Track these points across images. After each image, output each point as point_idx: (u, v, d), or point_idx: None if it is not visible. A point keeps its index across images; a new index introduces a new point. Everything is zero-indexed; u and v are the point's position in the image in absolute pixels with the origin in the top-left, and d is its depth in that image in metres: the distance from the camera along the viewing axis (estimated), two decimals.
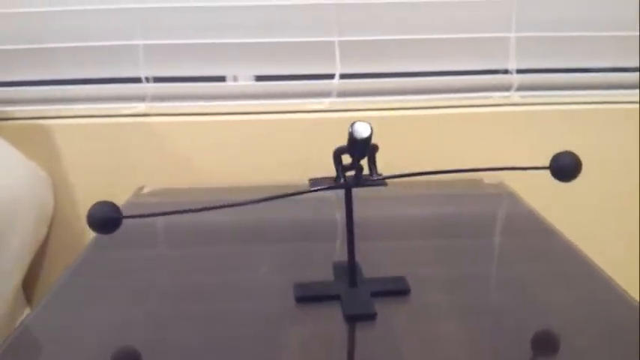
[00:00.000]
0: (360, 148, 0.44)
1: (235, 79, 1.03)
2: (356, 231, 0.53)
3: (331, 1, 0.95)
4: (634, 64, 1.00)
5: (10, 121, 0.97)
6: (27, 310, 0.93)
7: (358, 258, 0.55)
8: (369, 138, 0.43)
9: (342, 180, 0.49)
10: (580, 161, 0.50)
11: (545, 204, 0.76)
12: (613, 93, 1.01)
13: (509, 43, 0.99)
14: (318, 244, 0.68)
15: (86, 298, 0.56)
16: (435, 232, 0.72)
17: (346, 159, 0.49)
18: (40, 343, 0.51)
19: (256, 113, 0.98)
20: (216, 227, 0.73)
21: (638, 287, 0.57)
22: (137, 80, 0.98)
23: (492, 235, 0.72)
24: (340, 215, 0.74)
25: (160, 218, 0.74)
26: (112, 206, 0.47)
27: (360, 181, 0.50)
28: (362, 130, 0.43)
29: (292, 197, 0.49)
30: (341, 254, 0.58)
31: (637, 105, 0.98)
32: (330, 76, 0.99)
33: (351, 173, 0.50)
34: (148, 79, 0.98)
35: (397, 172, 0.51)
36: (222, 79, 1.03)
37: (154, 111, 0.98)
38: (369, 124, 0.43)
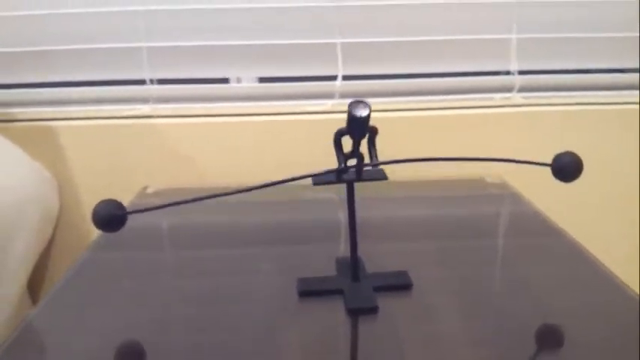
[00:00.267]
0: (360, 127, 0.45)
1: (238, 80, 1.04)
2: (358, 230, 0.53)
3: (334, 3, 0.96)
4: (634, 65, 1.00)
5: (15, 123, 0.97)
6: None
7: (360, 256, 0.55)
8: (368, 117, 0.44)
9: (342, 165, 0.49)
10: (581, 162, 0.50)
11: (545, 204, 0.76)
12: (614, 94, 1.01)
13: (511, 45, 0.99)
14: (321, 245, 0.68)
15: (86, 299, 0.56)
16: (437, 232, 0.72)
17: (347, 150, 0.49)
18: (40, 343, 0.50)
19: (259, 115, 0.99)
20: (219, 229, 0.73)
21: (638, 287, 0.57)
22: (141, 82, 0.99)
23: (496, 234, 0.72)
24: (343, 216, 0.74)
25: (163, 220, 0.74)
26: (117, 204, 0.47)
27: (360, 175, 0.51)
28: (361, 109, 0.44)
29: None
30: (343, 254, 0.58)
31: (637, 106, 0.98)
32: (333, 78, 0.99)
33: (352, 162, 0.50)
34: (151, 81, 0.99)
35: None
36: (225, 80, 1.03)
37: (157, 113, 0.99)
38: (368, 102, 0.44)
